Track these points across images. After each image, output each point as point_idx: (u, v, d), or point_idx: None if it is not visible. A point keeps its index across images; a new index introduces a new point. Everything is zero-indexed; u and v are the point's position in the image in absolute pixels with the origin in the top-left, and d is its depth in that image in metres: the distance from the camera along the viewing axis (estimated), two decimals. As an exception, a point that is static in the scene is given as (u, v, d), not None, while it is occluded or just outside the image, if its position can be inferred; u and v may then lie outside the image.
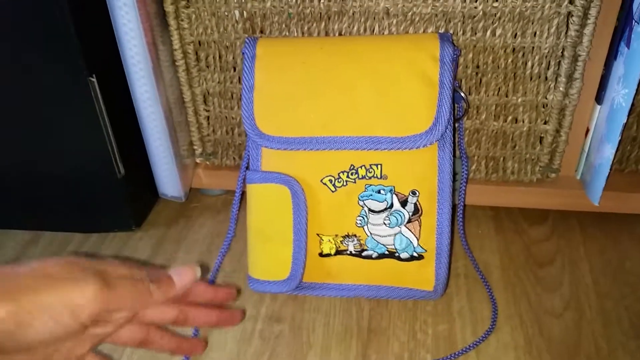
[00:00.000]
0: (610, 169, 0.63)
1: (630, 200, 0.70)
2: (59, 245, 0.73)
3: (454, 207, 0.66)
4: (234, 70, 0.67)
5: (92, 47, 0.61)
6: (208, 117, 0.71)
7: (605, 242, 0.70)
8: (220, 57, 0.66)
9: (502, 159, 0.69)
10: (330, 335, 0.60)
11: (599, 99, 0.65)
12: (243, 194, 0.63)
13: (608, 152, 0.63)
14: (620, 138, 0.61)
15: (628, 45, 0.58)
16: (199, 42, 0.65)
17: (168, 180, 0.71)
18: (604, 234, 0.71)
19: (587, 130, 0.68)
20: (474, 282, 0.65)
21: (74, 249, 0.72)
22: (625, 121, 0.60)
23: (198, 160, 0.75)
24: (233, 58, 0.66)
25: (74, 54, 0.59)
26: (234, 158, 0.74)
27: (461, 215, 0.66)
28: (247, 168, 0.61)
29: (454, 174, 0.65)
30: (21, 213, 0.74)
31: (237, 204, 0.64)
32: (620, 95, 0.60)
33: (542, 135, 0.67)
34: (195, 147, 0.74)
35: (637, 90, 0.61)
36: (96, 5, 0.61)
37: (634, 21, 0.57)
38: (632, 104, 0.60)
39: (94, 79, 0.61)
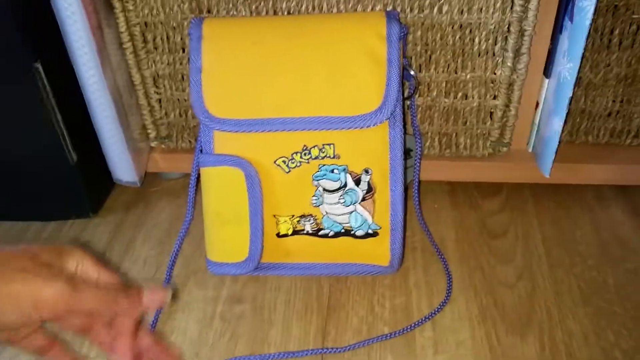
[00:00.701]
0: (560, 141, 0.65)
1: (580, 171, 0.72)
2: (16, 234, 0.72)
3: (408, 185, 0.67)
4: (183, 51, 0.66)
5: (35, 33, 0.59)
6: (160, 100, 0.71)
7: (557, 213, 0.72)
8: (168, 38, 0.65)
9: (454, 134, 0.70)
10: (291, 313, 0.61)
11: (547, 72, 0.66)
12: (199, 176, 0.63)
13: (557, 124, 0.64)
14: (567, 111, 0.63)
15: (571, 19, 0.59)
16: (145, 23, 0.64)
17: (121, 165, 0.71)
18: (556, 205, 0.73)
19: (537, 104, 0.69)
20: (430, 256, 0.67)
21: (31, 237, 0.71)
22: (571, 94, 0.62)
23: (153, 144, 0.75)
24: (181, 39, 0.65)
25: (16, 40, 0.58)
26: (189, 141, 0.74)
27: (416, 191, 0.67)
28: (201, 151, 0.61)
29: (408, 150, 0.66)
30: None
31: (194, 188, 0.64)
32: (565, 69, 0.61)
33: (492, 110, 0.68)
34: (148, 131, 0.73)
35: (584, 63, 0.63)
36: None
37: (576, -5, 0.58)
38: (579, 77, 0.61)
39: (38, 65, 0.59)
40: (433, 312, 0.60)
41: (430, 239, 0.68)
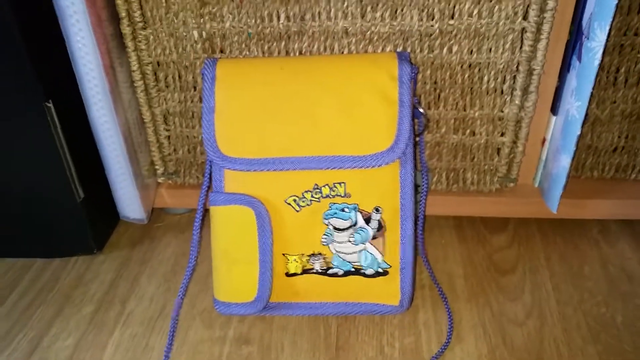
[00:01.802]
0: (567, 177, 0.65)
1: (586, 206, 0.72)
2: (20, 271, 0.71)
3: (416, 220, 0.67)
4: (194, 89, 0.66)
5: (48, 72, 0.60)
6: (169, 137, 0.71)
7: (564, 248, 0.72)
8: (179, 77, 0.65)
9: (462, 170, 0.71)
10: (298, 353, 0.60)
11: (554, 110, 0.67)
12: (206, 212, 0.62)
13: (564, 161, 0.65)
14: (575, 148, 0.63)
15: (579, 58, 0.60)
16: (158, 62, 0.65)
17: (129, 203, 0.70)
18: (563, 240, 0.74)
19: (544, 140, 0.69)
20: (439, 293, 0.66)
21: (35, 275, 0.70)
22: (579, 132, 0.62)
23: (160, 180, 0.74)
24: (193, 77, 0.65)
25: (30, 79, 0.58)
26: (197, 177, 0.74)
27: (421, 228, 0.67)
28: (208, 189, 0.60)
29: (416, 186, 0.66)
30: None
31: (198, 228, 0.62)
32: (574, 108, 0.62)
33: (499, 146, 0.68)
34: (156, 167, 0.73)
35: (590, 100, 0.63)
36: (50, 29, 0.59)
37: (583, 36, 0.59)
38: (586, 115, 0.62)
39: (50, 104, 0.59)
40: (436, 355, 0.59)
41: (432, 277, 0.68)
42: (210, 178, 0.60)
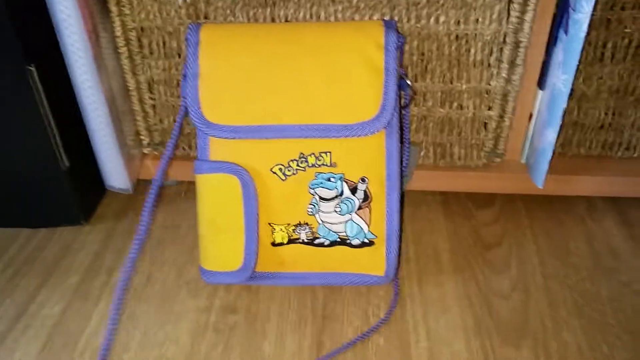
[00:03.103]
0: (553, 153, 0.65)
1: (573, 182, 0.72)
2: (5, 241, 0.70)
3: (402, 194, 0.67)
4: (179, 57, 0.66)
5: (30, 35, 0.59)
6: (154, 106, 0.70)
7: (550, 224, 0.73)
8: (164, 43, 0.65)
9: (449, 145, 0.71)
10: (285, 324, 0.60)
11: (541, 84, 0.67)
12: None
13: (550, 136, 0.65)
14: (561, 123, 0.63)
15: (566, 32, 0.60)
16: (142, 28, 0.64)
17: (114, 172, 0.70)
18: (549, 216, 0.74)
19: (531, 115, 0.69)
20: (424, 267, 0.66)
21: (21, 245, 0.70)
22: (565, 106, 0.62)
23: (145, 151, 0.74)
24: (177, 44, 0.65)
25: (10, 42, 0.57)
26: (183, 147, 0.73)
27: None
28: (170, 157, 0.59)
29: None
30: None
31: (152, 198, 0.58)
32: (560, 81, 0.62)
33: (486, 121, 0.68)
34: (142, 137, 0.72)
35: (577, 76, 0.64)
36: (32, -8, 0.58)
37: (570, 8, 0.59)
38: (572, 89, 0.62)
39: (32, 68, 0.58)
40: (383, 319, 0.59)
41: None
42: (177, 139, 0.59)
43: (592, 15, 0.59)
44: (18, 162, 0.66)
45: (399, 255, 0.62)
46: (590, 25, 0.57)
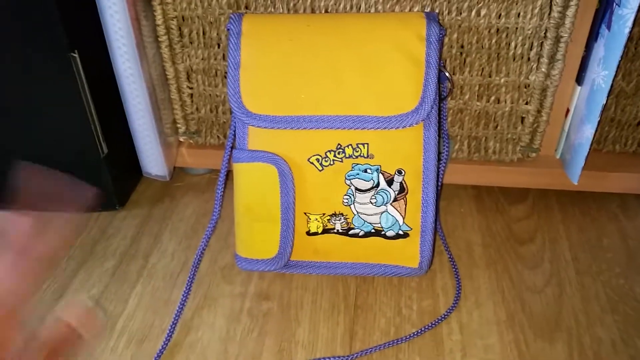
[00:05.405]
0: (589, 149, 0.65)
1: (607, 179, 0.71)
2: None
3: (439, 187, 0.67)
4: (218, 46, 0.66)
5: (74, 22, 0.59)
6: (191, 95, 0.71)
7: (584, 220, 0.72)
8: (204, 33, 0.65)
9: (484, 138, 0.70)
10: (318, 312, 0.60)
11: (579, 80, 0.66)
12: (228, 173, 0.63)
13: (588, 132, 0.64)
14: (599, 119, 0.63)
15: (609, 27, 0.59)
16: (183, 17, 0.64)
17: (152, 158, 0.71)
18: (582, 212, 0.73)
19: (567, 111, 0.69)
20: (457, 259, 0.66)
21: (56, 229, 0.71)
22: (604, 102, 0.61)
23: (181, 139, 0.75)
24: (217, 34, 0.65)
25: (55, 28, 0.58)
26: (218, 137, 0.74)
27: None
28: (232, 147, 0.61)
29: (439, 153, 0.66)
30: (1, 192, 0.73)
31: (222, 184, 0.63)
32: (600, 77, 0.61)
33: (523, 115, 0.68)
34: (178, 125, 0.73)
35: (617, 72, 0.63)
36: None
37: (614, 4, 0.58)
38: (611, 86, 0.61)
39: (76, 55, 0.59)
40: (443, 316, 0.60)
41: (443, 242, 0.68)
42: (234, 135, 0.60)
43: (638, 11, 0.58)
44: (57, 147, 0.67)
45: (434, 247, 0.62)
46: (634, 20, 0.56)
